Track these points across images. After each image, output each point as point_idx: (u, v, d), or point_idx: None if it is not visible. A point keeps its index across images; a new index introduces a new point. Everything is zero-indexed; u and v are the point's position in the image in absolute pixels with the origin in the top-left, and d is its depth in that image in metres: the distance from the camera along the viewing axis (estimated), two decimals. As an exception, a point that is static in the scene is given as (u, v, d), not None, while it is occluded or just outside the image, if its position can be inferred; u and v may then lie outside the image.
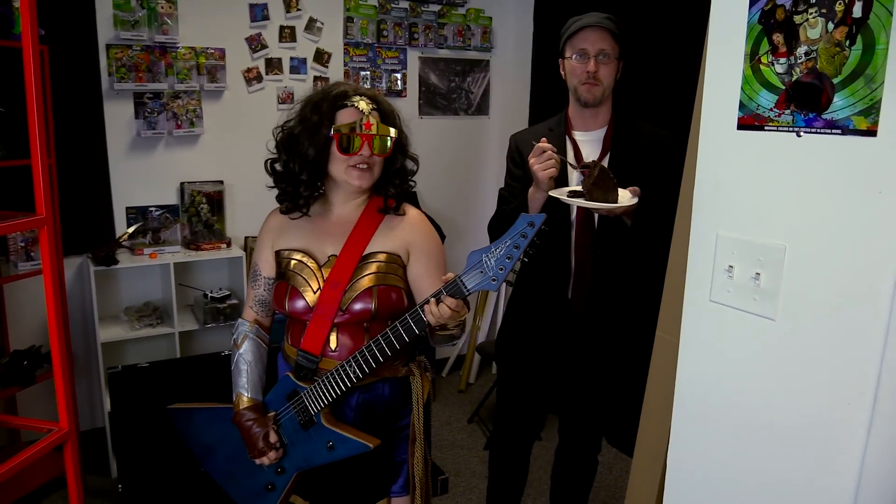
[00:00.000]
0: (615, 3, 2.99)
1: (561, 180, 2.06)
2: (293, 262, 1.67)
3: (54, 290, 1.52)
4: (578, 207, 2.08)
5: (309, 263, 1.65)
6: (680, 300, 1.19)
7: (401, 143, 1.69)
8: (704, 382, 1.17)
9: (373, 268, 1.62)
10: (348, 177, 1.62)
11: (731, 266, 1.08)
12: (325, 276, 1.63)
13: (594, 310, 2.21)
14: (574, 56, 2.11)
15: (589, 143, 2.19)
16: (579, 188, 1.95)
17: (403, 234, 1.68)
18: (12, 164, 2.78)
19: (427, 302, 1.46)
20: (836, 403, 0.97)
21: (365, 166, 1.61)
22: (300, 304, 1.63)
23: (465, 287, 1.43)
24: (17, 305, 3.14)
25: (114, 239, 3.27)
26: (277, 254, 1.72)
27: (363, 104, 1.61)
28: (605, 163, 2.13)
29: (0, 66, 2.85)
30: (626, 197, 1.90)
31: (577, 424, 2.43)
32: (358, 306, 1.60)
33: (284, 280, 1.67)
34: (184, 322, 3.31)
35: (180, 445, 2.58)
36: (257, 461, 1.67)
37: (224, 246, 3.41)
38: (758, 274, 1.04)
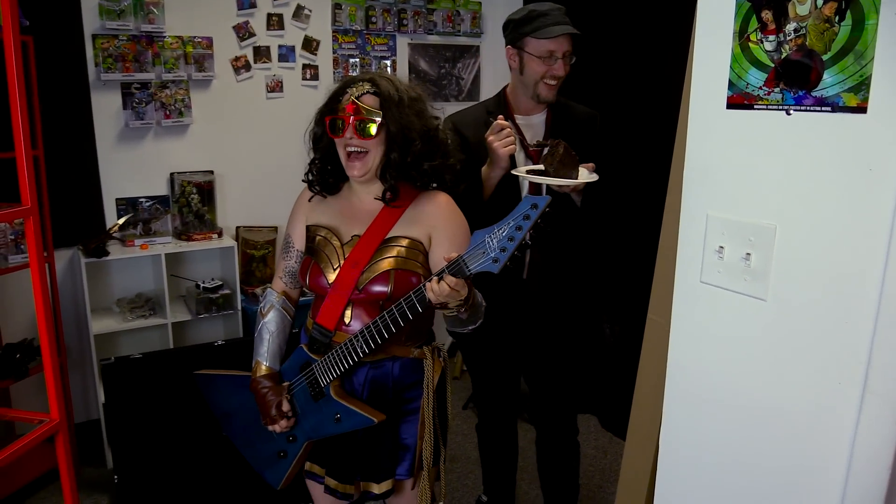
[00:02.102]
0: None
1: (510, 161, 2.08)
2: (318, 237, 1.72)
3: (41, 279, 1.51)
4: (530, 184, 2.12)
5: (333, 241, 1.70)
6: (670, 282, 1.19)
7: (395, 133, 1.62)
8: (696, 364, 1.17)
9: (393, 251, 1.64)
10: (345, 164, 1.66)
11: (721, 246, 1.08)
12: (347, 254, 1.66)
13: (547, 288, 2.27)
14: (539, 55, 2.11)
15: (531, 126, 2.23)
16: (539, 167, 2.00)
17: (427, 220, 1.68)
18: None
19: (430, 280, 1.47)
20: (828, 383, 0.97)
21: (356, 149, 1.63)
22: (321, 280, 1.68)
23: (467, 266, 1.42)
24: (9, 299, 3.12)
25: (104, 231, 3.25)
26: (308, 228, 1.77)
27: (359, 88, 1.62)
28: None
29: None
30: (584, 174, 1.96)
31: (546, 409, 2.45)
32: (375, 287, 1.62)
33: (310, 255, 1.72)
34: (176, 313, 3.30)
35: (175, 434, 2.60)
36: (269, 428, 1.73)
37: (215, 236, 3.39)
38: (748, 254, 1.04)
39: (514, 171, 1.99)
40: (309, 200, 1.80)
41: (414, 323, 1.58)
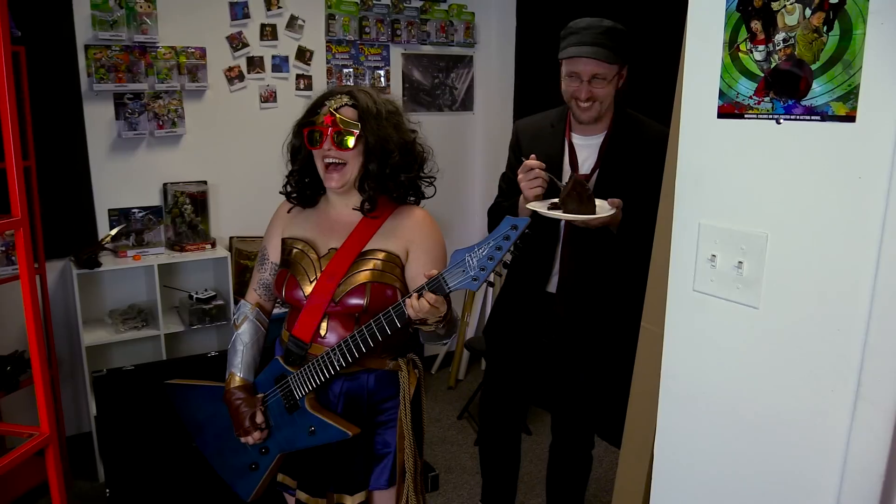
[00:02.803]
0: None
1: (554, 187, 2.03)
2: (295, 250, 1.72)
3: (32, 292, 1.50)
4: (566, 221, 2.07)
5: (310, 254, 1.70)
6: (664, 290, 1.19)
7: (373, 145, 1.63)
8: (690, 372, 1.17)
9: (370, 265, 1.65)
10: (323, 174, 1.67)
11: (713, 255, 1.08)
12: (324, 267, 1.67)
13: (575, 306, 2.22)
14: (566, 74, 2.06)
15: (586, 147, 2.16)
16: (555, 200, 1.97)
17: (404, 234, 1.69)
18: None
19: (410, 296, 1.48)
20: (821, 389, 0.97)
21: (333, 161, 1.64)
22: (297, 292, 1.68)
23: (447, 284, 1.45)
24: (0, 311, 3.10)
25: (96, 241, 3.23)
26: (284, 241, 1.78)
27: (337, 100, 1.64)
28: (598, 171, 2.12)
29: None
30: (604, 208, 1.92)
31: (568, 420, 2.44)
32: (350, 300, 1.63)
33: (286, 267, 1.72)
34: (169, 324, 3.28)
35: (168, 448, 2.58)
36: (242, 440, 1.72)
37: (209, 247, 3.38)
38: (740, 262, 1.04)
39: (528, 206, 1.96)
40: (288, 212, 1.82)
41: (390, 337, 1.58)
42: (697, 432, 1.17)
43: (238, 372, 1.77)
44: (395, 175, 1.68)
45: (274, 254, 1.81)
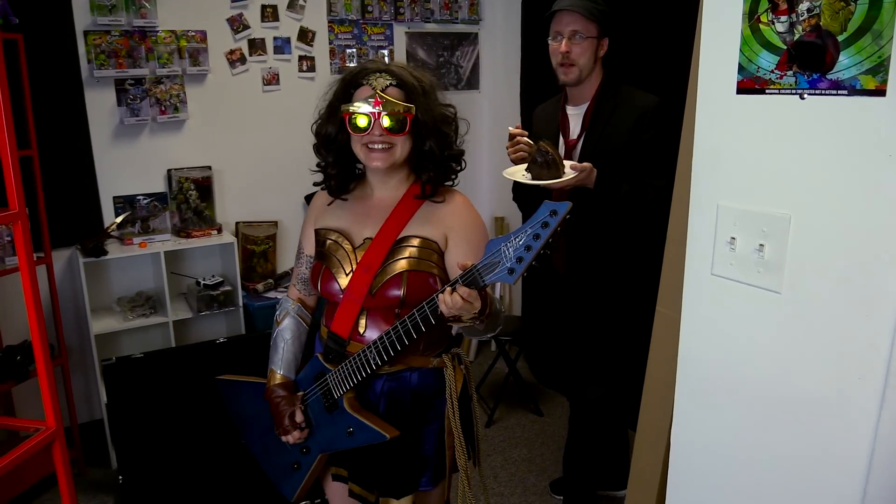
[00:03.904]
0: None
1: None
2: (329, 241, 1.65)
3: (33, 284, 1.48)
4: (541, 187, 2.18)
5: (344, 245, 1.62)
6: (680, 274, 1.15)
7: (426, 122, 1.57)
8: (708, 358, 1.13)
9: (406, 252, 1.57)
10: (366, 157, 1.57)
11: (733, 238, 1.04)
12: (359, 258, 1.59)
13: (573, 270, 2.32)
14: (551, 38, 2.22)
15: (575, 116, 2.30)
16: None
17: (443, 219, 1.61)
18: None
19: (443, 290, 1.39)
20: (847, 377, 0.93)
21: (382, 146, 1.54)
22: (332, 285, 1.61)
23: (482, 277, 1.34)
24: (7, 300, 3.09)
25: (102, 229, 3.21)
26: (317, 232, 1.70)
27: (379, 81, 1.54)
28: (583, 137, 2.25)
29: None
30: (570, 172, 2.04)
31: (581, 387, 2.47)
32: (388, 292, 1.55)
33: (320, 259, 1.65)
34: (177, 311, 3.27)
35: (179, 434, 2.58)
36: (283, 438, 1.68)
37: (215, 232, 3.35)
38: (761, 245, 1.00)
39: (503, 173, 2.10)
40: (329, 205, 1.72)
41: (431, 332, 1.50)
42: (716, 419, 1.13)
43: (278, 369, 1.71)
44: (434, 157, 1.60)
45: (308, 247, 1.74)
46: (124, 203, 3.29)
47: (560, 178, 1.97)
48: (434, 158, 1.60)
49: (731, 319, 1.07)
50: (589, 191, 2.09)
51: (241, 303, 3.36)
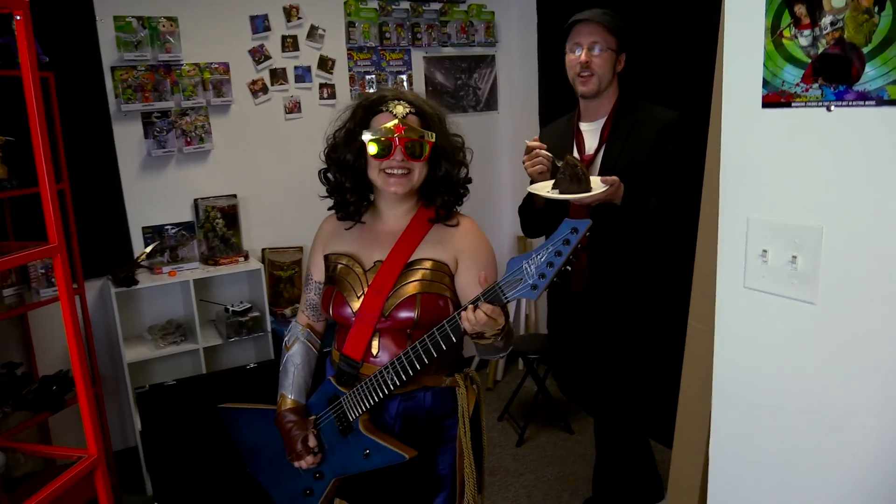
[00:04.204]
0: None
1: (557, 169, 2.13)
2: (340, 266, 1.67)
3: (72, 316, 1.51)
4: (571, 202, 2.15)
5: (355, 268, 1.64)
6: (711, 288, 1.16)
7: (443, 149, 1.62)
8: (744, 371, 1.13)
9: (418, 275, 1.59)
10: (384, 183, 1.59)
11: (764, 250, 1.04)
12: (370, 281, 1.61)
13: (593, 290, 2.28)
14: (570, 50, 2.20)
15: (591, 132, 2.28)
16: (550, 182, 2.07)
17: (453, 243, 1.63)
18: (26, 192, 2.78)
19: (465, 308, 1.41)
20: (886, 388, 0.93)
21: (401, 171, 1.57)
22: (345, 309, 1.62)
23: (504, 294, 1.37)
24: (42, 332, 3.15)
25: (132, 259, 3.27)
26: (326, 258, 1.72)
27: (399, 108, 1.58)
28: (602, 151, 2.22)
29: (7, 96, 2.86)
30: (598, 185, 2.00)
31: (606, 407, 2.44)
32: (401, 314, 1.57)
33: (332, 285, 1.67)
34: (207, 337, 3.31)
35: (213, 459, 2.60)
36: (295, 464, 1.67)
37: (242, 259, 3.40)
38: (794, 257, 1.00)
39: (529, 189, 2.08)
40: (336, 231, 1.75)
41: (444, 352, 1.52)
42: (755, 431, 1.13)
43: (289, 394, 1.72)
44: (451, 181, 1.65)
45: (317, 273, 1.76)
46: (153, 233, 3.35)
47: (589, 191, 1.95)
48: (449, 183, 1.64)
49: (765, 331, 1.07)
50: (613, 207, 2.07)
51: (269, 328, 3.39)
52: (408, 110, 1.59)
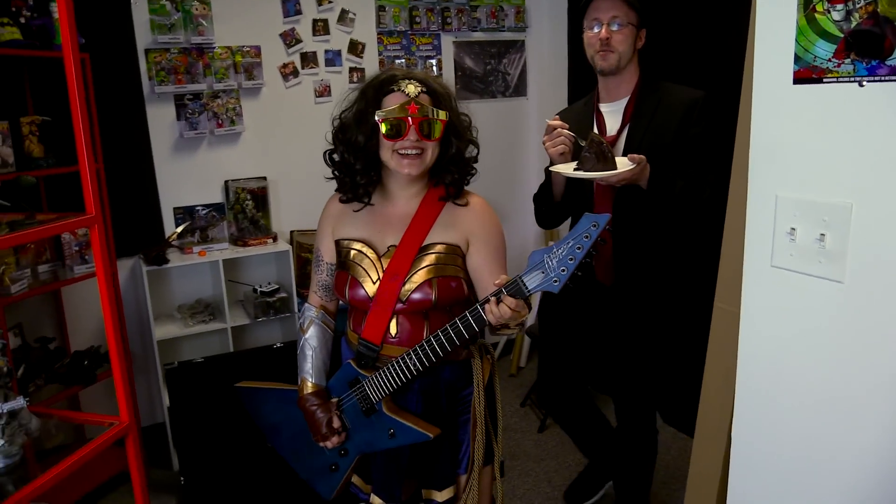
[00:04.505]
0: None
1: (579, 154, 2.06)
2: (353, 252, 1.67)
3: (108, 285, 1.55)
4: (596, 181, 2.09)
5: (368, 254, 1.65)
6: (739, 267, 1.15)
7: (454, 127, 1.63)
8: (769, 353, 1.12)
9: (431, 259, 1.60)
10: (397, 164, 1.59)
11: (793, 228, 1.03)
12: (385, 266, 1.62)
13: (620, 281, 2.22)
14: (588, 27, 2.13)
15: (612, 113, 2.20)
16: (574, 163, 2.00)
17: (464, 224, 1.64)
18: (63, 171, 2.84)
19: (487, 301, 1.43)
20: (914, 366, 0.92)
21: (414, 152, 1.57)
22: (360, 293, 1.63)
23: (526, 287, 1.39)
24: (75, 308, 3.22)
25: (163, 239, 3.33)
26: (338, 243, 1.72)
27: (411, 87, 1.57)
28: (625, 132, 2.14)
29: (44, 77, 2.92)
30: (624, 164, 1.92)
31: (627, 399, 2.42)
32: (417, 296, 1.58)
33: (345, 269, 1.67)
34: (235, 317, 3.36)
35: (239, 436, 2.64)
36: (321, 444, 1.71)
37: (270, 241, 3.44)
38: (822, 235, 0.99)
39: (552, 169, 2.01)
40: (336, 210, 1.75)
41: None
42: (778, 414, 1.12)
43: (310, 378, 1.74)
44: (462, 160, 1.66)
45: (328, 255, 1.76)
46: (184, 213, 3.41)
47: (615, 170, 1.90)
48: (460, 161, 1.65)
49: (792, 310, 1.06)
50: (639, 190, 2.02)
51: (296, 309, 3.43)
52: (419, 89, 1.58)
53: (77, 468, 1.54)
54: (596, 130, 2.18)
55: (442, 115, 1.58)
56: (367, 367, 1.66)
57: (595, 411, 2.58)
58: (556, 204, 2.25)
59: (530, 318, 4.16)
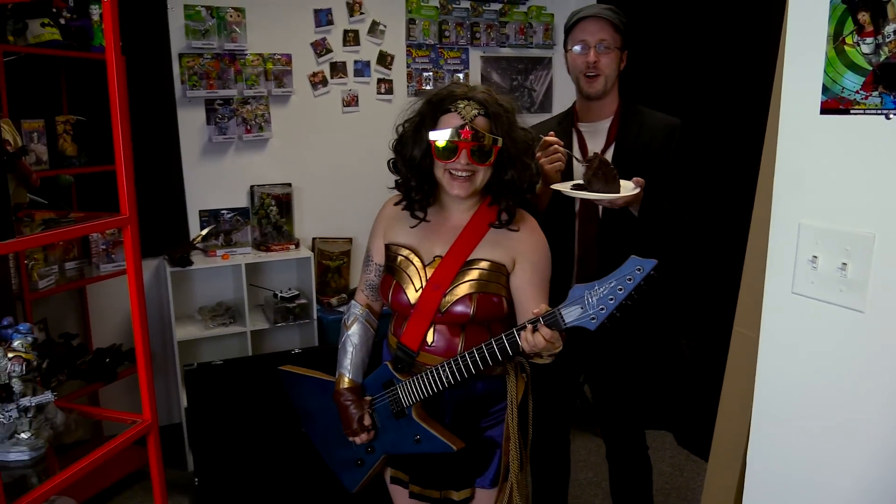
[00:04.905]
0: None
1: (567, 173, 2.06)
2: (400, 258, 1.70)
3: (138, 285, 1.58)
4: (581, 199, 2.06)
5: (414, 261, 1.68)
6: (759, 293, 1.16)
7: (509, 154, 1.60)
8: (787, 379, 1.13)
9: (475, 274, 1.62)
10: (447, 184, 1.61)
11: (815, 256, 1.04)
12: (429, 276, 1.65)
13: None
14: (575, 48, 2.12)
15: (593, 133, 2.19)
16: (582, 181, 1.95)
17: (512, 244, 1.65)
18: (95, 170, 2.91)
19: (524, 328, 1.45)
20: (933, 399, 0.92)
21: (465, 174, 1.58)
22: (402, 299, 1.66)
23: (563, 320, 1.40)
24: (100, 306, 3.28)
25: (188, 241, 3.38)
26: (387, 247, 1.75)
27: (468, 109, 1.57)
28: (609, 154, 2.13)
29: (80, 77, 2.99)
30: (628, 187, 1.90)
31: (614, 421, 2.39)
32: (457, 309, 1.61)
33: (390, 274, 1.71)
34: (255, 321, 3.40)
35: (256, 439, 2.67)
36: (350, 439, 1.76)
37: (293, 247, 3.48)
38: (844, 264, 1.00)
39: (553, 186, 1.96)
40: (392, 214, 1.77)
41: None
42: (795, 442, 1.12)
43: (347, 373, 1.78)
44: (514, 186, 1.63)
45: (378, 256, 1.79)
46: (209, 217, 3.46)
47: (619, 192, 1.88)
48: (514, 188, 1.63)
49: (811, 338, 1.07)
50: (624, 211, 2.00)
51: (315, 316, 3.46)
52: (476, 111, 1.57)
53: (99, 464, 1.57)
54: (577, 150, 2.18)
55: (497, 141, 1.57)
56: (403, 371, 1.69)
57: (566, 462, 2.56)
58: (538, 215, 2.23)
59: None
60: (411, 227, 1.72)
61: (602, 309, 1.35)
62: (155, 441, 1.69)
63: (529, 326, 1.44)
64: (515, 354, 1.52)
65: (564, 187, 1.95)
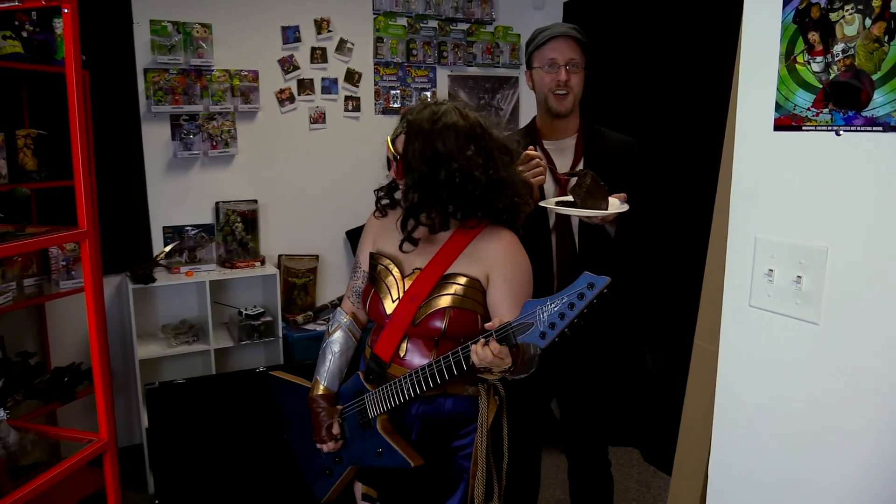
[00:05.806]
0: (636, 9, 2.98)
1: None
2: (380, 267, 1.72)
3: (96, 300, 1.55)
4: (557, 215, 2.08)
5: (394, 272, 1.69)
6: (718, 307, 1.17)
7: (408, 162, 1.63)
8: (746, 390, 1.14)
9: (451, 289, 1.61)
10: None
11: (770, 269, 1.06)
12: (406, 287, 1.65)
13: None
14: (543, 66, 2.14)
15: (559, 151, 2.20)
16: (568, 198, 1.97)
17: (487, 258, 1.64)
18: (55, 185, 2.85)
19: (476, 342, 1.45)
20: (887, 407, 0.94)
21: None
22: (379, 309, 1.68)
23: (514, 336, 1.39)
24: (58, 324, 3.20)
25: (151, 258, 3.33)
26: (372, 255, 1.77)
27: (393, 132, 1.68)
28: (579, 169, 2.14)
29: (42, 91, 2.95)
30: (615, 204, 1.93)
31: (578, 436, 2.40)
32: (430, 323, 1.61)
33: (371, 282, 1.73)
34: (219, 339, 3.35)
35: (217, 460, 2.62)
36: (318, 446, 1.76)
37: (258, 264, 3.45)
38: (799, 277, 1.02)
39: (541, 203, 1.97)
40: (378, 222, 1.80)
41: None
42: (755, 452, 1.14)
43: (322, 380, 1.79)
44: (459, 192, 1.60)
45: (365, 263, 1.81)
46: (173, 233, 3.42)
47: (608, 209, 1.89)
48: (499, 189, 1.66)
49: (769, 350, 1.09)
50: (597, 226, 2.04)
51: (280, 334, 3.42)
52: (397, 132, 1.67)
53: (52, 485, 1.53)
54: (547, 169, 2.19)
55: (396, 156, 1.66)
56: (374, 382, 1.69)
57: (538, 474, 2.55)
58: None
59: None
60: (397, 237, 1.71)
61: (552, 326, 1.33)
62: (112, 461, 1.65)
63: (481, 340, 1.44)
64: (469, 369, 1.50)
65: (550, 203, 1.96)
